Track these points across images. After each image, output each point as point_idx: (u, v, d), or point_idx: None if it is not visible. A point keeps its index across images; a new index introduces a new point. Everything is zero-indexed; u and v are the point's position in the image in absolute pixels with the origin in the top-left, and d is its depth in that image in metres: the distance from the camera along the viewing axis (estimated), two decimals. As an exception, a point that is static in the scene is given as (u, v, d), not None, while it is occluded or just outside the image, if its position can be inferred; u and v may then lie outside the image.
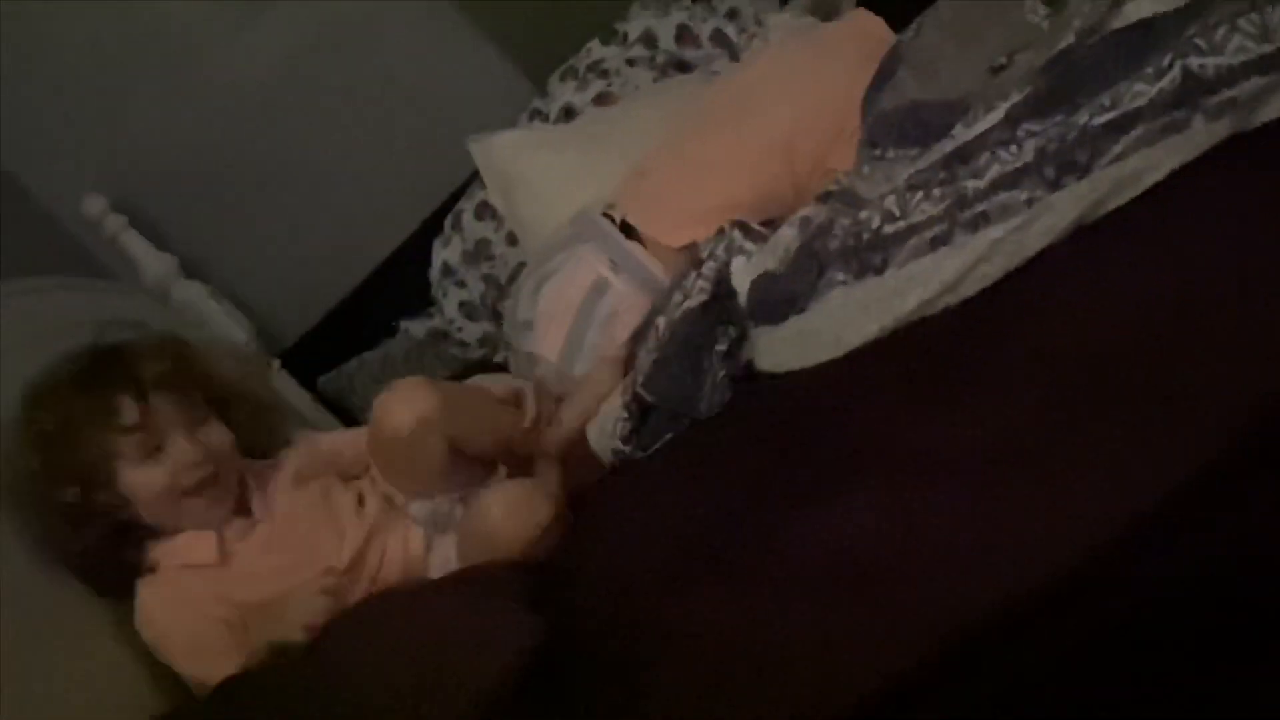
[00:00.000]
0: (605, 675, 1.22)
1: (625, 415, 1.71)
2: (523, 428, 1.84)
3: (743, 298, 1.63)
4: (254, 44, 2.72)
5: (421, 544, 1.80)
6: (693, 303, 1.65)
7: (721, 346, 1.65)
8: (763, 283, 1.60)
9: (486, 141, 2.49)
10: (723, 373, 1.66)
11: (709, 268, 1.67)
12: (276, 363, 2.59)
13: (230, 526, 1.73)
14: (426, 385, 1.79)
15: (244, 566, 1.71)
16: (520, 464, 1.89)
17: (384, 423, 1.77)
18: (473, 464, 1.84)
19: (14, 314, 2.06)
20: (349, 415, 2.57)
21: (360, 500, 1.83)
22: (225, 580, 1.68)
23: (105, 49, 2.63)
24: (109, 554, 1.68)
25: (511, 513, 1.66)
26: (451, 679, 1.25)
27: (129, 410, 1.67)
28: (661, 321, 1.70)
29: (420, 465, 1.79)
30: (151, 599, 1.66)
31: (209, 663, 1.59)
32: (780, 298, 1.56)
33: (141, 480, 1.67)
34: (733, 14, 2.61)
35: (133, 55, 2.65)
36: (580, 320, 1.96)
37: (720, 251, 1.68)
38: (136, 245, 2.58)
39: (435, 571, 1.78)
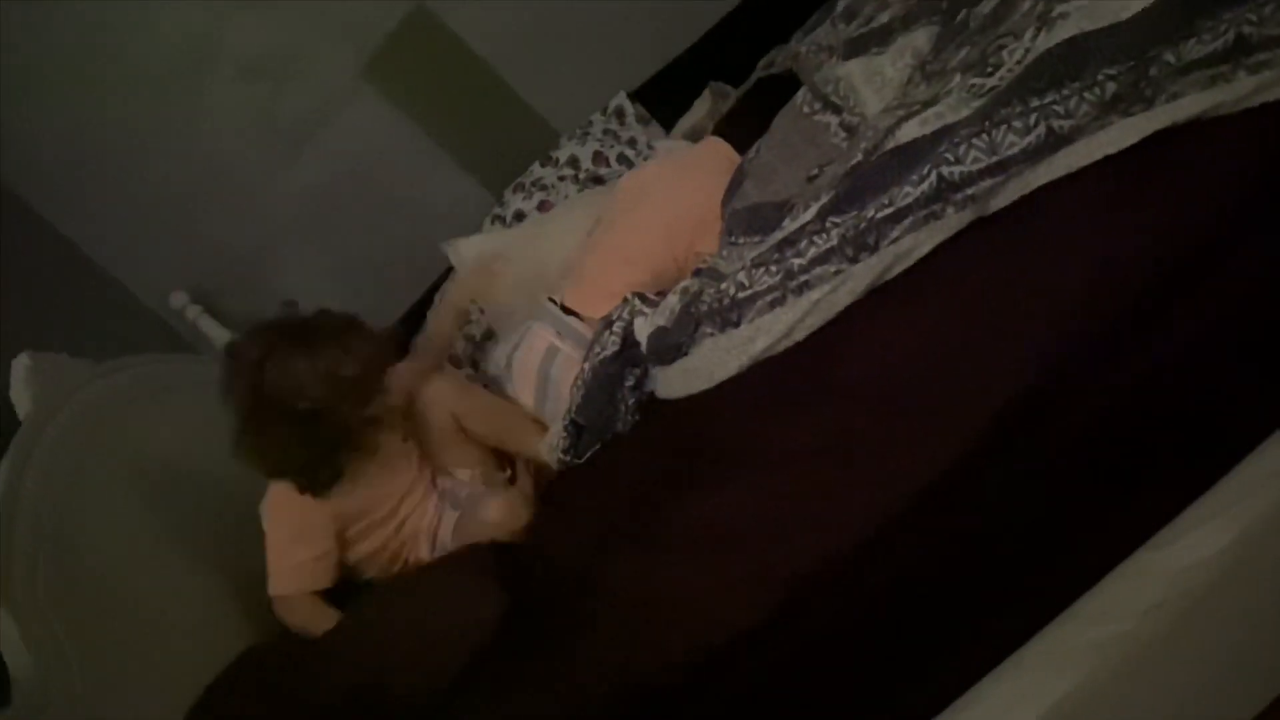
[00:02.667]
0: (555, 628, 1.21)
1: (564, 435, 1.70)
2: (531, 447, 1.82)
3: (644, 346, 1.62)
4: (293, 174, 2.69)
5: (437, 511, 1.79)
6: (606, 352, 1.65)
7: (630, 382, 1.65)
8: (656, 335, 1.59)
9: (455, 244, 2.47)
10: (632, 400, 1.65)
11: (618, 326, 1.66)
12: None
13: None
14: (453, 379, 1.89)
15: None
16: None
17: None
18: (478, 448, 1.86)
19: (127, 382, 2.02)
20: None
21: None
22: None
23: (182, 178, 2.60)
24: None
25: (507, 516, 1.66)
26: (446, 634, 1.24)
27: None
28: (586, 366, 1.69)
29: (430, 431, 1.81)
30: (282, 495, 1.65)
31: (299, 565, 1.60)
32: (669, 345, 1.56)
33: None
34: (632, 142, 2.63)
35: (204, 183, 2.62)
36: (541, 380, 1.94)
37: (625, 314, 1.67)
38: (210, 326, 2.54)
39: (443, 535, 1.76)
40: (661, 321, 1.59)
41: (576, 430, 1.70)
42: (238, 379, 1.64)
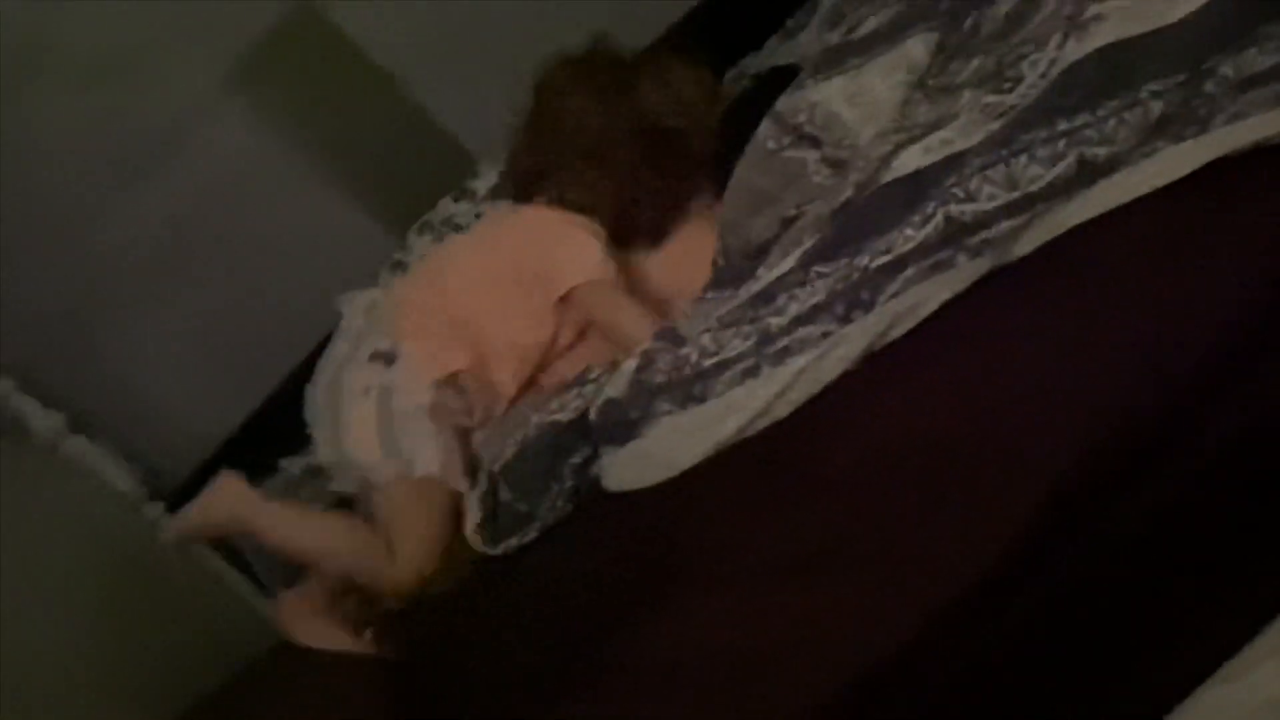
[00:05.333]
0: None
1: (480, 503, 1.70)
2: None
3: (592, 417, 1.62)
4: (134, 208, 2.65)
5: None
6: (561, 416, 1.66)
7: (577, 460, 1.64)
8: (605, 408, 1.59)
9: (353, 298, 2.39)
10: (570, 484, 1.65)
11: (588, 389, 1.67)
12: (161, 506, 2.49)
13: None
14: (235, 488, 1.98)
15: None
16: None
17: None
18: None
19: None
20: (236, 551, 2.48)
21: None
22: None
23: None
24: None
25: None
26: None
27: None
28: (535, 418, 1.69)
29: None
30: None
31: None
32: (620, 422, 1.55)
33: None
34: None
35: (19, 217, 2.56)
36: (383, 421, 1.91)
37: (601, 378, 1.67)
38: (26, 406, 2.48)
39: None
40: (612, 393, 1.58)
41: (494, 498, 1.69)
42: (589, 98, 1.81)
